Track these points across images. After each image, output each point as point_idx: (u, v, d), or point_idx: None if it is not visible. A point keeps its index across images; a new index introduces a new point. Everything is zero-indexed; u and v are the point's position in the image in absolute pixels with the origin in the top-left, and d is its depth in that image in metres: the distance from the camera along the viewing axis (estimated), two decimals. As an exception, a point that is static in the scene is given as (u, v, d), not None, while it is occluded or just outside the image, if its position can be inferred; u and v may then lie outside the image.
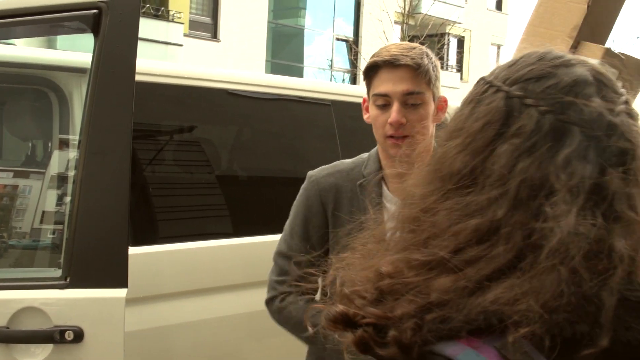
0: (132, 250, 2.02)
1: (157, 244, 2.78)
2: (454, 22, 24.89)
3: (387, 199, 1.80)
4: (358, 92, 3.94)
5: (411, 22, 22.80)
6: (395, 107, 1.72)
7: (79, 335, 1.84)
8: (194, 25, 20.06)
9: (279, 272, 1.91)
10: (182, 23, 18.48)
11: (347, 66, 25.49)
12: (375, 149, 1.90)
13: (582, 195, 0.75)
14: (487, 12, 30.11)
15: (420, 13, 23.82)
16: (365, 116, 1.86)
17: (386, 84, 1.74)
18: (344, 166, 1.90)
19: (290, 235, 1.91)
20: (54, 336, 1.83)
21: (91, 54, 1.99)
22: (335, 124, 3.43)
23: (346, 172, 1.87)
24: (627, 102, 0.83)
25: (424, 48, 1.81)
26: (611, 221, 0.75)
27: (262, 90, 3.29)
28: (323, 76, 24.59)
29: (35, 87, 3.21)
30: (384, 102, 1.75)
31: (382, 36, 21.48)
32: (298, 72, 23.61)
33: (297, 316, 1.81)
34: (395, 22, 22.92)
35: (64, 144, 3.05)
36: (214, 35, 20.81)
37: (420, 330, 0.74)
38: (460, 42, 28.87)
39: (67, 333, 1.83)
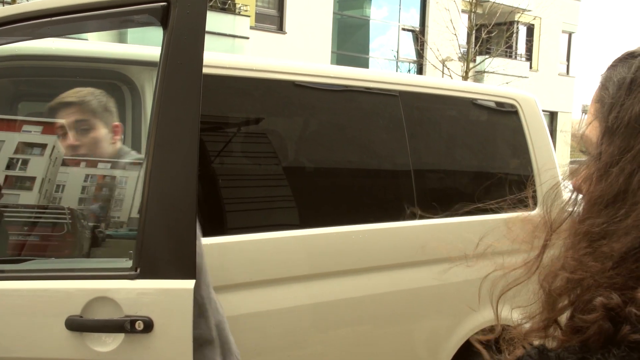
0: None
1: (224, 235, 2.81)
2: (523, 10, 24.28)
3: None
4: (426, 82, 3.88)
5: (479, 10, 22.35)
6: None
7: (148, 326, 1.86)
8: (260, 17, 20.21)
9: None
10: (248, 16, 18.63)
11: (413, 56, 25.23)
12: None
13: None
14: (558, -2, 29.25)
15: (488, 1, 23.30)
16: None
17: None
18: None
19: None
20: (125, 326, 1.86)
21: (160, 47, 2.01)
22: (403, 115, 3.38)
23: None
24: None
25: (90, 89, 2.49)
26: None
27: (329, 81, 3.27)
28: (389, 67, 24.40)
29: (109, 81, 3.27)
30: None
31: (449, 25, 21.15)
32: (364, 63, 23.50)
33: None
34: (463, 11, 22.52)
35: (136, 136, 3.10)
36: (280, 28, 20.92)
37: None
38: (530, 30, 28.11)
39: (137, 323, 1.86)
